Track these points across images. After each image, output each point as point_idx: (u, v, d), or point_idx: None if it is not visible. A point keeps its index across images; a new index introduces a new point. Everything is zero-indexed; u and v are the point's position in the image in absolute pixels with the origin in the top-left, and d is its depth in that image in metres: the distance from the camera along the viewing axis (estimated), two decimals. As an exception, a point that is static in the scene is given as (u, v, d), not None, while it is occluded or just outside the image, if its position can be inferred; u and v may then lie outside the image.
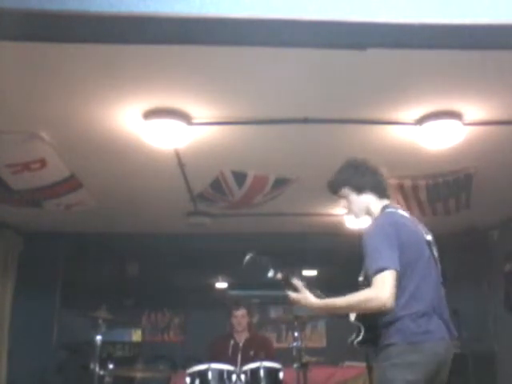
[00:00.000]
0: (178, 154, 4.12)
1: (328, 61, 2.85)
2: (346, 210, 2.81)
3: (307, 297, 2.54)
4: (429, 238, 2.58)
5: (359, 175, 2.65)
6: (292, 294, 2.59)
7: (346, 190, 2.69)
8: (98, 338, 4.29)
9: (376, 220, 2.56)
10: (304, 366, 4.30)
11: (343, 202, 2.75)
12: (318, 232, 6.47)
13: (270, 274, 2.72)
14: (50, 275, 6.47)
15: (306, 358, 4.36)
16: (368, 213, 2.67)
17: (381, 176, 2.68)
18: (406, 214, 2.64)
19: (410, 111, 3.49)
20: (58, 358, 6.76)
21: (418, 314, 2.31)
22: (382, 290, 2.25)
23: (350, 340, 2.59)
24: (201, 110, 3.42)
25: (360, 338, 2.52)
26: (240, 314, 5.05)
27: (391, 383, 2.27)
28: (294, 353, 4.31)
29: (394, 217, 2.53)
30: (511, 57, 2.73)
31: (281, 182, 4.79)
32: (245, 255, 2.85)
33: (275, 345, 6.94)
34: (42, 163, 4.08)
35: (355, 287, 2.50)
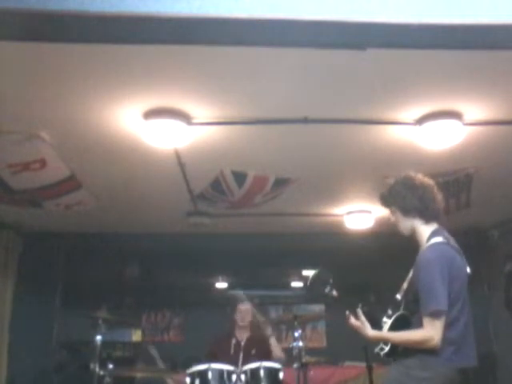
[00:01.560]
0: (177, 154, 4.12)
1: (328, 61, 2.85)
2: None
3: (365, 328, 2.65)
4: (468, 270, 2.68)
5: (407, 197, 2.67)
6: (352, 321, 2.69)
7: (393, 208, 2.76)
8: (98, 337, 4.29)
9: (429, 251, 2.59)
10: (304, 366, 4.31)
11: (392, 217, 2.82)
12: (318, 232, 6.47)
13: (327, 290, 2.83)
14: (50, 275, 6.47)
15: (306, 358, 4.37)
16: (414, 235, 2.72)
17: (431, 200, 2.68)
18: (452, 242, 2.68)
19: (410, 111, 3.49)
20: (57, 357, 6.76)
21: (447, 341, 2.45)
22: (435, 334, 2.41)
23: (376, 351, 2.70)
24: (201, 110, 3.42)
25: (386, 350, 2.63)
26: (244, 308, 5.04)
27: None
28: (294, 353, 4.31)
29: (444, 250, 2.59)
30: (511, 57, 2.73)
31: (281, 182, 4.79)
32: (312, 271, 2.96)
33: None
34: (42, 163, 4.07)
35: (392, 305, 2.66)
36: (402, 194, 2.69)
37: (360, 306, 2.69)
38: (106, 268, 7.20)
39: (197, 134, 3.72)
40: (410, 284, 2.65)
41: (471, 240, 6.27)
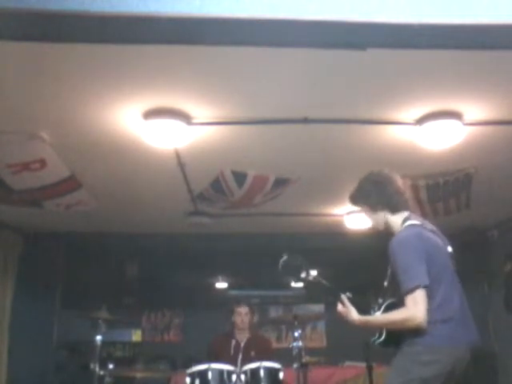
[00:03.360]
0: (177, 154, 4.12)
1: (328, 61, 2.85)
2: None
3: (350, 312, 2.68)
4: (449, 249, 2.71)
5: (371, 194, 2.78)
6: (339, 307, 2.73)
7: (363, 207, 2.88)
8: (98, 338, 4.29)
9: (400, 233, 2.65)
10: (304, 366, 4.30)
11: (364, 215, 2.92)
12: (318, 232, 6.47)
13: (303, 275, 2.89)
14: (50, 275, 6.47)
15: (306, 358, 4.36)
16: (388, 227, 2.80)
17: (395, 192, 2.76)
18: (427, 224, 2.73)
19: (410, 111, 3.49)
20: (57, 357, 6.76)
21: (443, 320, 2.46)
22: (416, 310, 2.41)
23: (372, 340, 2.72)
24: (201, 110, 3.42)
25: (382, 339, 2.66)
26: (243, 311, 5.05)
27: (407, 374, 2.43)
28: (294, 353, 4.31)
29: (417, 229, 2.64)
30: (511, 57, 2.73)
31: (281, 182, 4.79)
32: (281, 257, 2.99)
33: (275, 345, 6.94)
34: (42, 163, 4.07)
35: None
36: (366, 192, 2.80)
37: (346, 293, 2.73)
38: (106, 268, 7.20)
39: (197, 134, 3.72)
40: (391, 270, 2.68)
41: (471, 240, 6.27)
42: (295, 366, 4.29)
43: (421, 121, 3.57)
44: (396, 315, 2.52)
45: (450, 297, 2.53)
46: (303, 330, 4.63)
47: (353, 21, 2.04)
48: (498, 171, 4.53)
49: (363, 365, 4.72)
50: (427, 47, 2.42)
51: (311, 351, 4.95)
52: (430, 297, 2.46)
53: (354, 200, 2.90)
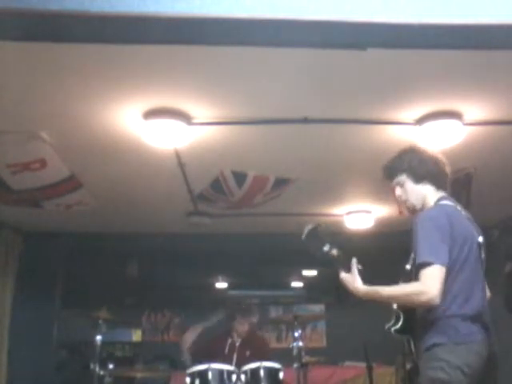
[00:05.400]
0: (178, 154, 4.12)
1: (328, 61, 2.85)
2: (398, 200, 2.65)
3: (356, 280, 2.45)
4: (480, 239, 2.48)
5: (421, 162, 2.53)
6: (342, 274, 2.52)
7: (403, 178, 2.56)
8: (98, 338, 4.30)
9: (430, 210, 2.45)
10: (304, 366, 4.31)
11: (397, 191, 2.60)
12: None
13: (326, 248, 2.64)
14: (49, 275, 6.47)
15: (305, 358, 4.37)
16: (423, 204, 2.53)
17: (442, 166, 2.57)
18: (461, 209, 2.53)
19: (410, 111, 3.49)
20: (57, 357, 6.77)
21: (465, 316, 2.28)
22: (431, 285, 2.18)
23: (387, 326, 2.54)
24: (201, 110, 3.42)
25: (398, 326, 2.49)
26: (246, 322, 5.03)
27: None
28: (294, 353, 4.31)
29: (448, 209, 2.42)
30: (511, 57, 2.73)
31: (281, 182, 4.79)
32: (307, 227, 2.71)
33: (275, 345, 6.97)
34: (42, 163, 4.07)
35: (402, 276, 2.47)
36: (414, 159, 2.54)
37: (356, 260, 2.51)
38: (106, 268, 7.20)
39: (197, 134, 3.72)
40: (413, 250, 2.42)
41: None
42: (295, 365, 4.30)
43: (421, 121, 3.57)
44: (407, 287, 2.32)
45: (470, 291, 2.33)
46: (303, 329, 4.64)
47: (353, 21, 2.04)
48: (498, 171, 4.53)
49: (363, 365, 4.73)
50: (427, 47, 2.42)
51: (311, 351, 4.95)
52: (445, 285, 2.22)
53: (394, 169, 2.59)
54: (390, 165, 2.62)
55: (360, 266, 2.51)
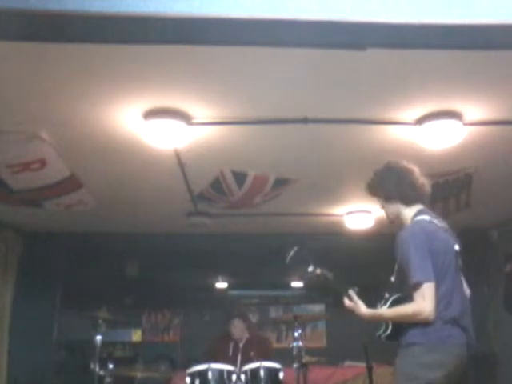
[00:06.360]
0: (177, 154, 4.12)
1: (328, 61, 2.85)
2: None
3: (359, 307, 2.69)
4: (457, 247, 2.70)
5: (386, 184, 2.79)
6: (346, 302, 2.75)
7: (377, 197, 2.90)
8: (98, 338, 4.30)
9: (407, 229, 2.67)
10: (304, 366, 4.31)
11: (379, 205, 2.93)
12: (318, 232, 6.47)
13: (310, 269, 2.89)
14: (50, 275, 6.47)
15: (306, 358, 4.37)
16: (400, 220, 2.79)
17: (409, 184, 2.75)
18: (436, 220, 2.71)
19: (410, 111, 3.49)
20: (57, 357, 6.77)
21: (444, 319, 2.47)
22: (425, 305, 2.43)
23: (377, 333, 2.71)
24: (201, 109, 3.42)
25: (387, 333, 2.65)
26: (237, 324, 5.05)
27: (416, 380, 2.41)
28: (294, 353, 4.31)
29: (424, 224, 2.64)
30: (511, 57, 2.73)
31: (281, 182, 4.79)
32: (290, 250, 2.99)
33: (275, 345, 6.95)
34: (42, 163, 4.08)
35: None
36: (380, 181, 2.81)
37: (352, 288, 2.74)
38: (106, 268, 7.21)
39: (197, 134, 3.73)
40: (398, 265, 2.68)
41: (471, 240, 6.27)
42: (295, 366, 4.30)
43: (421, 121, 3.57)
44: (405, 309, 2.53)
45: (451, 296, 2.52)
46: (303, 329, 4.64)
47: (353, 21, 2.04)
48: (498, 171, 4.53)
49: (363, 365, 4.73)
50: (427, 47, 2.42)
51: (311, 351, 4.95)
52: None
53: (370, 189, 2.91)
54: (369, 183, 2.91)
55: (356, 289, 2.75)
